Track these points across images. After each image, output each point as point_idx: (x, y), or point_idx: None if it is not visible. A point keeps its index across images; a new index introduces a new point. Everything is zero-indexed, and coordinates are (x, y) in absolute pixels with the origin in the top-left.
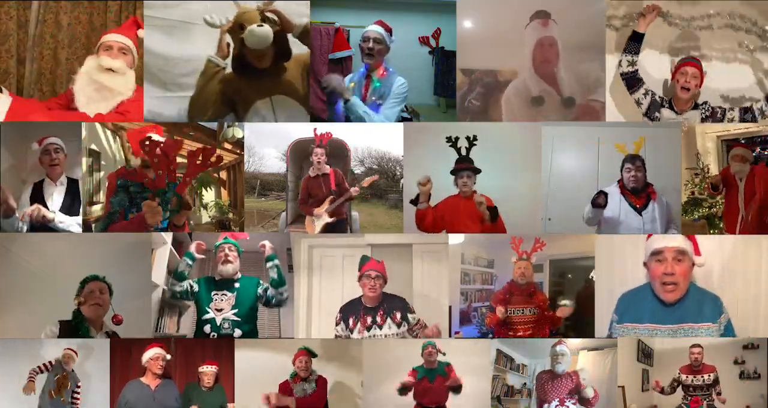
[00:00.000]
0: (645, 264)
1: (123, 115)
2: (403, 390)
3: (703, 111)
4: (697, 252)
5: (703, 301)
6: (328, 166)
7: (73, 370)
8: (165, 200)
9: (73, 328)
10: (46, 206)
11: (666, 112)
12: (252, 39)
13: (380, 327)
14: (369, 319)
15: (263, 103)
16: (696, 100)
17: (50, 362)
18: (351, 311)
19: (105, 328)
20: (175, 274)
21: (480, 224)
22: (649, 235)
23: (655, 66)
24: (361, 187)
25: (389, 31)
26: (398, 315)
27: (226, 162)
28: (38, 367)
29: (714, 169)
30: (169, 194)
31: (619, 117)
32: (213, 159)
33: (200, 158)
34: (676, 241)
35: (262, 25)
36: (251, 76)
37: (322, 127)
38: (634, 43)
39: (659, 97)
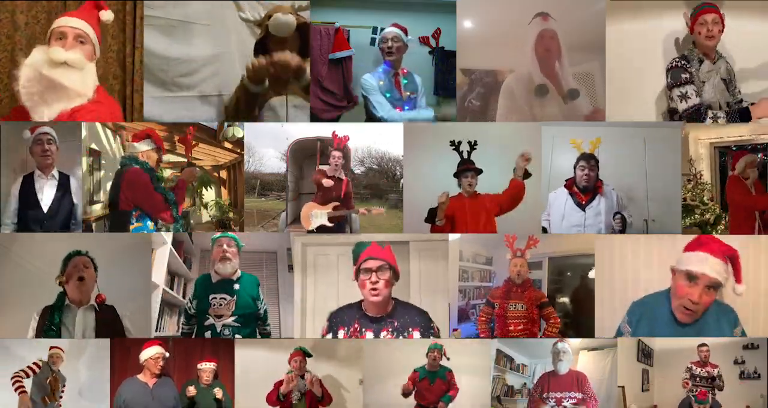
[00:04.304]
0: (672, 269)
1: (74, 118)
2: (406, 395)
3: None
4: (738, 280)
5: (719, 315)
6: (343, 173)
7: (59, 370)
8: None
9: (51, 315)
10: (37, 200)
11: (706, 65)
12: (276, 24)
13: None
14: (370, 335)
15: (279, 99)
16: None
17: (36, 364)
18: (343, 321)
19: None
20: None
21: (484, 221)
22: (689, 247)
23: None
24: (369, 212)
25: (404, 31)
26: (416, 335)
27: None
28: (23, 371)
29: (707, 176)
30: None
31: (619, 117)
32: None
33: None
34: (715, 270)
35: (287, 15)
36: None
37: (339, 129)
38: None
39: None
